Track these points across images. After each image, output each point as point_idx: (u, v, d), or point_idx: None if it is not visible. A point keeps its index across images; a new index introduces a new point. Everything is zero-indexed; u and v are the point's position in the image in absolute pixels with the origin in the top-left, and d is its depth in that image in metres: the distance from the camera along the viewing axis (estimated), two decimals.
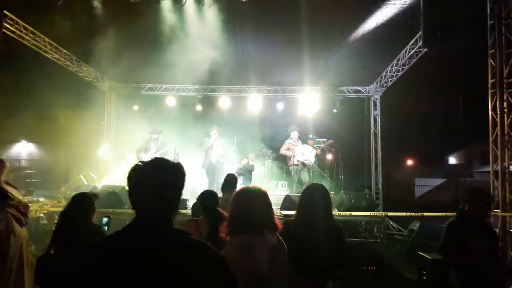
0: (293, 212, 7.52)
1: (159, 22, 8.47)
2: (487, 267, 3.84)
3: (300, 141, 11.23)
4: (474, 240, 3.91)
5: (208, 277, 1.46)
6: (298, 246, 2.80)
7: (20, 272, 3.94)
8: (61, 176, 12.41)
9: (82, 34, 8.99)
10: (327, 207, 3.13)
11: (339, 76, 12.40)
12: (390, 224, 10.03)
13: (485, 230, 4.08)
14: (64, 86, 11.66)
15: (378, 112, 13.84)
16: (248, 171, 11.15)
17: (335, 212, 8.60)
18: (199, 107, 13.84)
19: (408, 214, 8.96)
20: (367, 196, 9.70)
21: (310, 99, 13.48)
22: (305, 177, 10.81)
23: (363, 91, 13.95)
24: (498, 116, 8.09)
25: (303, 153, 10.78)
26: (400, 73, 11.70)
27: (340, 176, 12.37)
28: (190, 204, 9.06)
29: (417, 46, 9.81)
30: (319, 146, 11.63)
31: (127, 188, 1.64)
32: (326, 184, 7.13)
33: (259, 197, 2.49)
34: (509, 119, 7.99)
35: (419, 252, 6.33)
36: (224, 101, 13.58)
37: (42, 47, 9.92)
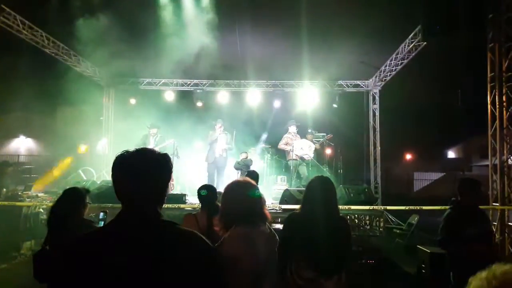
0: (292, 206, 7.54)
1: (157, 16, 8.42)
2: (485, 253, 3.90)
3: (298, 136, 11.23)
4: (471, 229, 4.00)
5: (196, 266, 1.44)
6: (305, 239, 2.79)
7: None
8: (59, 171, 12.41)
9: (79, 28, 8.93)
10: (333, 199, 3.10)
11: (338, 70, 12.37)
12: (389, 218, 10.05)
13: (479, 218, 4.17)
14: (62, 81, 11.61)
15: (377, 106, 13.83)
16: (246, 166, 11.15)
17: None
18: (197, 102, 13.79)
19: (407, 208, 8.96)
20: (366, 190, 9.71)
21: (309, 94, 13.46)
22: (304, 171, 10.81)
23: (362, 85, 13.93)
24: (497, 109, 8.09)
25: (302, 147, 10.77)
26: (399, 67, 11.67)
27: (339, 171, 12.38)
28: (188, 199, 9.09)
29: (416, 40, 9.77)
30: (318, 141, 11.62)
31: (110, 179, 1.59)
32: None
33: (248, 189, 2.52)
34: (508, 113, 7.99)
35: (417, 246, 6.35)
36: (222, 96, 13.54)
37: (40, 41, 9.87)
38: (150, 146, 10.48)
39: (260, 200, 2.55)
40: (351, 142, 14.61)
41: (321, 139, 11.86)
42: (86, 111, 12.76)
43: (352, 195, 9.15)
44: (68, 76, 11.77)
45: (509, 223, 7.65)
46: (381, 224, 9.27)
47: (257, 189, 2.57)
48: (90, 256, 1.40)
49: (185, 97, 14.00)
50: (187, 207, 8.23)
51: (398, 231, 9.47)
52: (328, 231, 2.85)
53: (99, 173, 11.68)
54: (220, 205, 2.58)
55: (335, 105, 13.65)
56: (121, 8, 8.27)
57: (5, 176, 9.32)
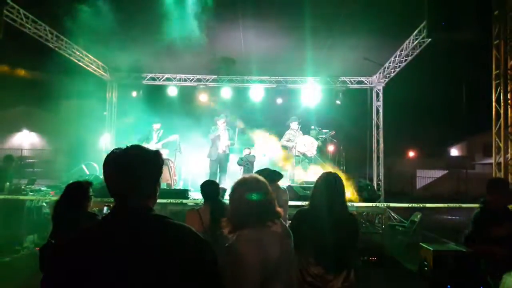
0: (294, 203, 7.53)
1: (160, 11, 8.39)
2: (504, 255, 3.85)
3: (301, 132, 11.21)
4: (498, 230, 3.91)
5: (188, 259, 1.47)
6: (313, 236, 2.77)
7: None
8: (62, 166, 12.45)
9: (83, 23, 8.92)
10: (341, 195, 3.09)
11: (342, 66, 12.33)
12: (392, 215, 10.05)
13: (508, 220, 4.09)
14: (66, 76, 11.62)
15: (380, 103, 13.78)
16: (249, 162, 11.15)
17: None
18: (201, 97, 13.78)
19: (410, 205, 8.96)
20: (369, 187, 9.70)
21: (312, 90, 13.43)
22: (306, 168, 10.80)
23: (365, 82, 13.88)
24: (502, 107, 8.06)
25: (305, 144, 10.76)
26: (404, 63, 11.61)
27: (342, 167, 12.35)
28: (191, 194, 9.10)
29: (421, 36, 9.71)
30: (321, 137, 11.60)
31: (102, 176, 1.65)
32: None
33: (257, 187, 2.37)
34: None
35: (420, 243, 6.34)
36: (225, 92, 13.52)
37: (43, 35, 9.86)
38: (152, 142, 10.50)
39: (269, 197, 2.39)
40: (354, 139, 14.60)
41: (325, 136, 11.83)
42: (90, 106, 12.79)
43: (355, 191, 9.14)
44: (72, 71, 11.79)
45: None
46: (384, 222, 9.26)
47: (265, 185, 2.42)
48: (81, 253, 1.44)
49: (188, 92, 13.98)
50: (190, 202, 8.25)
51: (400, 229, 9.47)
52: (336, 227, 2.83)
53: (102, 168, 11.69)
54: (228, 203, 2.49)
55: (338, 102, 13.60)
56: (125, 2, 8.27)
57: (9, 170, 9.34)
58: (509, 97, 7.97)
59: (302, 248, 2.75)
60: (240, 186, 2.41)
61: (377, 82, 13.62)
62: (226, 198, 3.90)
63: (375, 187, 12.09)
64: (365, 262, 6.90)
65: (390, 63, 12.18)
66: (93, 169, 11.31)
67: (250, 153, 11.42)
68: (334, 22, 8.94)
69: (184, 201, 8.22)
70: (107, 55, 11.20)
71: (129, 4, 8.34)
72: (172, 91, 13.61)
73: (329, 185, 3.06)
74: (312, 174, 10.36)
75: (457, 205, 8.77)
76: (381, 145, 13.71)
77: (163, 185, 9.06)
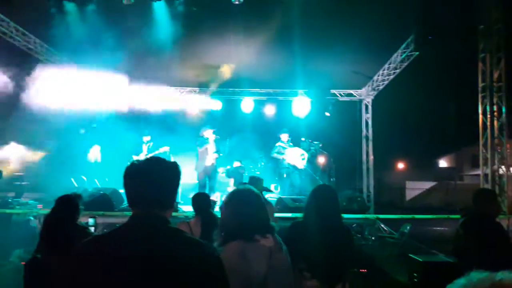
0: (284, 215, 7.53)
1: (149, 23, 8.43)
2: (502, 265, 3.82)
3: (291, 144, 11.23)
4: (487, 240, 3.90)
5: (206, 275, 1.46)
6: (309, 249, 2.75)
7: None
8: (51, 179, 12.27)
9: (72, 35, 8.91)
10: (336, 208, 3.08)
11: (331, 79, 12.43)
12: (381, 226, 10.06)
13: (496, 230, 4.09)
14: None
15: (369, 115, 13.90)
16: (238, 174, 11.13)
17: None
18: (191, 110, 13.75)
19: (399, 216, 9.00)
20: (359, 198, 9.73)
21: (302, 103, 13.49)
22: (297, 180, 10.81)
23: (355, 94, 13.99)
24: (488, 119, 8.19)
25: (295, 156, 10.79)
26: (392, 76, 11.76)
27: (331, 179, 12.38)
28: (181, 207, 9.05)
29: (409, 50, 9.86)
30: (311, 149, 11.63)
31: (123, 188, 1.64)
32: None
33: (248, 200, 2.33)
34: (499, 123, 8.08)
35: (410, 255, 6.35)
36: (215, 104, 13.53)
37: (33, 48, 9.83)
38: (142, 154, 10.45)
39: (261, 210, 2.34)
40: (344, 151, 14.64)
41: (315, 148, 11.87)
42: (80, 117, 12.67)
43: (344, 203, 9.16)
44: None
45: None
46: (374, 233, 9.28)
47: (257, 197, 2.38)
48: (99, 258, 1.43)
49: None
50: (179, 215, 8.20)
51: (390, 240, 9.48)
52: (331, 240, 2.81)
53: (90, 180, 11.57)
54: (212, 212, 2.49)
55: (327, 113, 13.66)
56: (114, 14, 8.30)
57: None
58: (495, 109, 8.10)
59: (297, 262, 2.73)
60: (231, 198, 2.39)
61: (366, 94, 13.75)
62: (216, 210, 3.88)
63: (365, 199, 12.11)
64: (355, 274, 6.88)
65: (378, 76, 12.33)
66: (81, 181, 11.19)
67: (240, 165, 11.42)
68: (323, 35, 9.04)
69: (174, 214, 8.16)
70: (96, 66, 11.14)
71: (115, 16, 8.36)
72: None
73: (323, 198, 3.06)
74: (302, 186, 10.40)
75: (446, 216, 8.83)
76: (371, 157, 13.78)
77: None
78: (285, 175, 10.94)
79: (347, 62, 10.92)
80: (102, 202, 8.60)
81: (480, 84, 8.37)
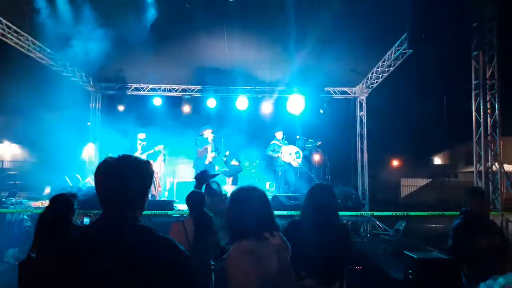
0: (280, 213, 7.53)
1: (145, 21, 8.38)
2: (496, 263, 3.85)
3: (286, 142, 11.25)
4: (482, 238, 3.92)
5: (172, 273, 1.48)
6: (307, 247, 2.73)
7: None
8: (45, 178, 12.22)
9: (66, 32, 8.85)
10: (333, 206, 3.08)
11: (326, 77, 12.44)
12: (376, 223, 10.11)
13: (491, 228, 4.12)
14: (49, 86, 11.47)
15: (364, 113, 13.93)
16: (236, 172, 11.16)
17: None
18: (186, 108, 13.73)
19: (394, 214, 9.03)
20: (353, 196, 9.75)
21: (297, 100, 13.48)
22: (292, 177, 10.83)
23: (349, 92, 14.02)
24: (482, 117, 8.23)
25: (290, 153, 10.80)
26: (386, 74, 11.79)
27: (326, 177, 12.41)
28: (176, 205, 9.03)
29: (403, 48, 9.89)
30: (307, 147, 11.65)
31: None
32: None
33: (255, 198, 2.36)
34: (492, 120, 8.13)
35: (405, 252, 6.38)
36: (210, 102, 13.50)
37: (25, 46, 9.75)
38: (137, 153, 10.42)
39: (267, 208, 2.38)
40: (339, 148, 14.66)
41: (310, 145, 11.88)
42: (73, 116, 12.63)
43: (339, 201, 9.18)
44: (55, 81, 11.63)
45: None
46: (369, 230, 9.31)
47: (263, 196, 2.40)
48: (70, 260, 1.44)
49: (173, 102, 13.92)
50: (175, 213, 8.19)
51: (385, 237, 9.53)
52: (328, 238, 2.81)
53: (85, 179, 11.54)
54: (206, 211, 2.49)
55: (321, 111, 13.69)
56: (110, 13, 8.24)
57: None
58: (488, 106, 8.15)
59: (294, 260, 2.73)
60: (238, 196, 2.40)
61: (360, 92, 13.78)
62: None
63: (360, 196, 12.16)
64: (350, 271, 6.90)
65: (372, 73, 12.36)
66: (76, 180, 11.15)
67: (239, 164, 11.44)
68: (318, 33, 9.04)
69: (169, 212, 8.15)
70: (91, 65, 11.08)
71: (114, 15, 8.31)
72: (157, 101, 13.54)
73: (321, 196, 3.05)
74: (297, 184, 10.40)
75: (440, 213, 8.88)
76: (365, 154, 13.82)
77: None
78: (280, 173, 10.95)
79: (342, 60, 10.94)
80: (96, 200, 8.54)
81: (473, 82, 8.40)
